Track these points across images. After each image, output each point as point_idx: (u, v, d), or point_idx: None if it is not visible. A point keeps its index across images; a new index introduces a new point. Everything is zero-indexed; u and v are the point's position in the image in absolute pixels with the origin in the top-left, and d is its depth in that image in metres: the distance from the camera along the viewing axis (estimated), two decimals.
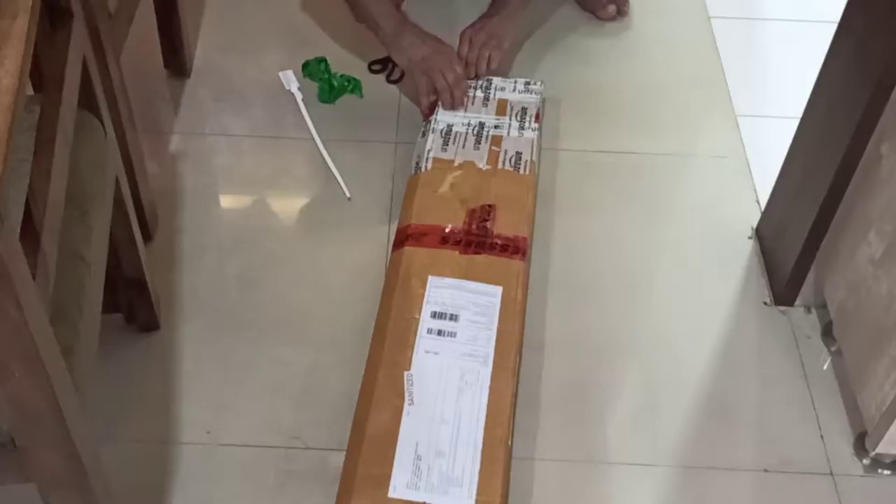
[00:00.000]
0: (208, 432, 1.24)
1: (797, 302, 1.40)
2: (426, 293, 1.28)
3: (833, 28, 1.26)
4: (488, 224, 1.37)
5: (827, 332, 1.36)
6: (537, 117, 1.56)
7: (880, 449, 1.19)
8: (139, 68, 1.64)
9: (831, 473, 1.24)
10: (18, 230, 0.81)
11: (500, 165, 1.47)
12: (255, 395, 1.28)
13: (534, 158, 1.50)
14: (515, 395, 1.22)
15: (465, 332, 1.25)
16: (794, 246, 1.35)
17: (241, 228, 1.50)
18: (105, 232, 1.09)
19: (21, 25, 0.79)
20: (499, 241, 1.36)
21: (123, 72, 1.31)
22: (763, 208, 1.50)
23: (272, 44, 1.77)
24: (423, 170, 1.46)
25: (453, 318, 1.26)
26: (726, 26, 1.85)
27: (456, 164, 1.47)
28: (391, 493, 1.10)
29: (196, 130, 1.64)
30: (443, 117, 1.55)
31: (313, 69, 1.66)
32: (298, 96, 1.66)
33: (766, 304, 1.42)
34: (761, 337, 1.39)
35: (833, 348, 1.35)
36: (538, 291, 1.42)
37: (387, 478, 1.11)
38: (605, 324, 1.39)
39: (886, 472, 1.23)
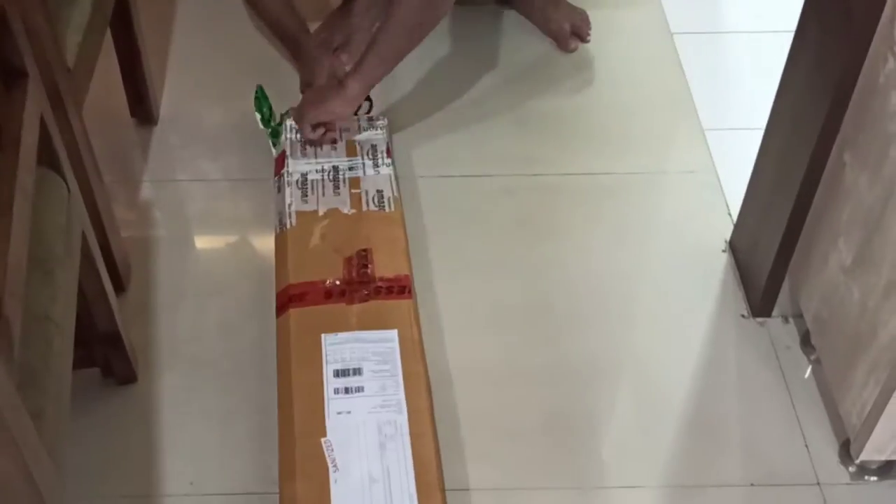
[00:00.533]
0: (191, 483, 1.23)
1: (774, 313, 1.41)
2: (323, 353, 1.27)
3: (791, 38, 1.27)
4: (368, 269, 1.36)
5: (806, 342, 1.37)
6: (388, 152, 1.56)
7: (865, 456, 1.18)
8: (105, 118, 1.65)
9: (818, 483, 1.24)
10: None
11: (364, 207, 1.46)
12: (237, 444, 1.27)
13: (395, 194, 1.49)
14: (436, 435, 1.21)
15: (373, 384, 1.23)
16: (768, 257, 1.35)
17: (218, 275, 1.49)
18: (73, 289, 1.08)
19: None
20: (383, 285, 1.35)
21: (88, 123, 1.31)
22: (735, 221, 1.51)
23: (240, 86, 1.76)
24: (288, 226, 1.44)
25: (357, 371, 1.25)
26: (689, 41, 1.86)
27: (321, 213, 1.45)
28: None
29: (167, 177, 1.63)
30: (294, 167, 1.53)
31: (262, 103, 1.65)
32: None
33: (743, 316, 1.42)
34: (741, 350, 1.39)
35: (813, 357, 1.35)
36: (515, 320, 1.42)
37: None
38: (585, 348, 1.38)
39: (873, 478, 1.23)
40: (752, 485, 1.24)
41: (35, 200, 0.99)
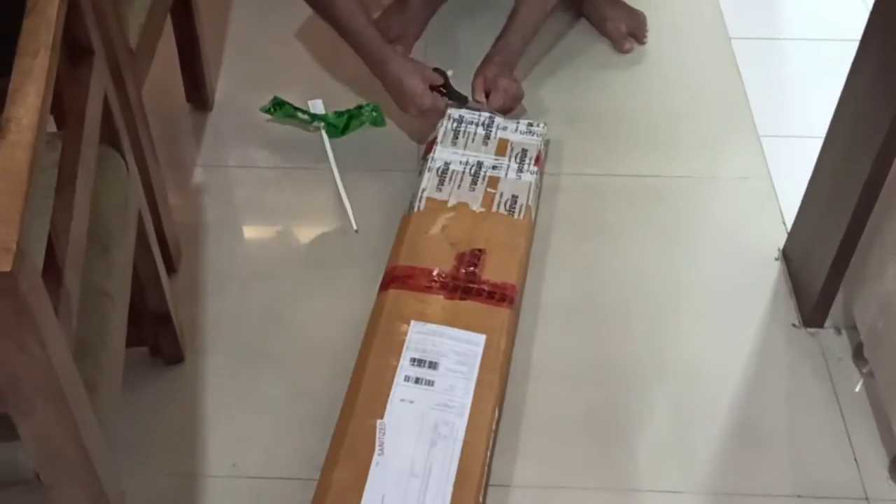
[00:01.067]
0: (234, 465, 1.24)
1: (827, 323, 1.38)
2: (407, 338, 1.26)
3: (854, 46, 1.25)
4: (477, 269, 1.35)
5: (858, 354, 1.34)
6: (538, 160, 1.53)
7: None
8: (161, 102, 1.66)
9: (867, 498, 1.21)
10: (41, 267, 0.81)
11: (494, 208, 1.44)
12: (280, 427, 1.28)
13: (530, 203, 1.46)
14: (491, 449, 1.20)
15: (444, 381, 1.22)
16: (822, 267, 1.33)
17: (264, 261, 1.50)
18: (128, 266, 1.09)
19: (42, 63, 0.80)
20: (486, 288, 1.33)
21: (146, 106, 1.32)
22: (789, 229, 1.49)
23: (294, 76, 1.79)
24: (416, 209, 1.44)
25: (433, 365, 1.24)
26: (747, 47, 1.84)
27: (450, 205, 1.45)
28: None
29: (219, 163, 1.65)
30: (440, 154, 1.53)
31: (278, 112, 1.66)
32: (322, 125, 1.66)
33: (795, 326, 1.40)
34: (791, 360, 1.36)
35: (865, 370, 1.32)
36: (557, 319, 1.41)
37: None
38: (632, 350, 1.37)
39: None
40: (798, 496, 1.22)
41: (95, 177, 1.00)
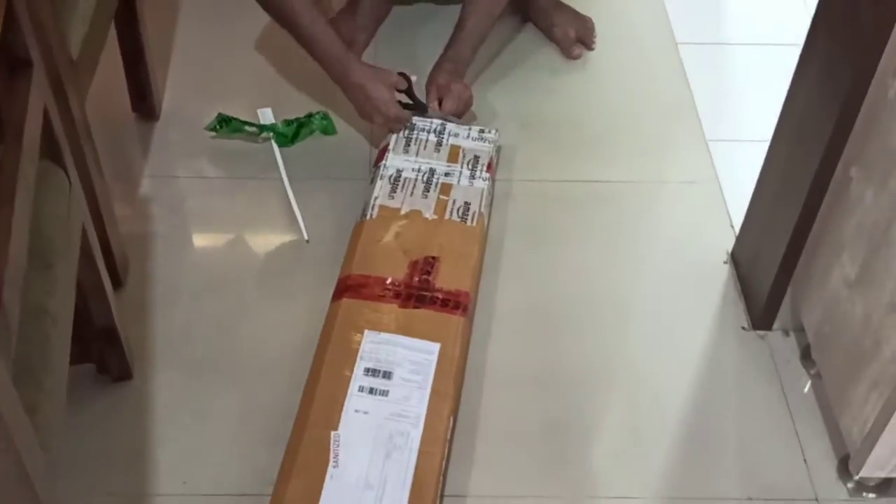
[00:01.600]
0: (185, 482, 1.22)
1: (775, 326, 1.40)
2: (361, 348, 1.25)
3: (798, 50, 1.26)
4: (430, 277, 1.34)
5: (806, 356, 1.36)
6: (489, 167, 1.54)
7: (864, 472, 1.18)
8: (106, 113, 1.64)
9: (816, 499, 1.23)
10: None
11: (447, 216, 1.44)
12: (232, 443, 1.26)
13: (482, 210, 1.47)
14: (446, 459, 1.20)
15: (398, 391, 1.22)
16: (770, 270, 1.35)
17: (214, 273, 1.48)
18: (71, 283, 1.07)
19: None
20: (440, 296, 1.32)
21: (89, 117, 1.30)
22: (737, 233, 1.50)
23: (242, 84, 1.77)
24: (368, 217, 1.44)
25: (387, 375, 1.23)
26: (694, 52, 1.86)
27: (402, 212, 1.44)
28: None
29: (167, 174, 1.62)
30: (393, 162, 1.52)
31: (224, 129, 1.63)
32: (272, 135, 1.65)
33: (744, 328, 1.41)
34: (741, 362, 1.38)
35: (813, 371, 1.34)
36: (510, 326, 1.41)
37: None
38: (585, 356, 1.38)
39: (871, 495, 1.23)
40: (749, 499, 1.23)
41: (36, 192, 0.98)
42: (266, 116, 1.68)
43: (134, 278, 1.44)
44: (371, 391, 1.22)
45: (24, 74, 0.99)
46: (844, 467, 1.24)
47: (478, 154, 1.55)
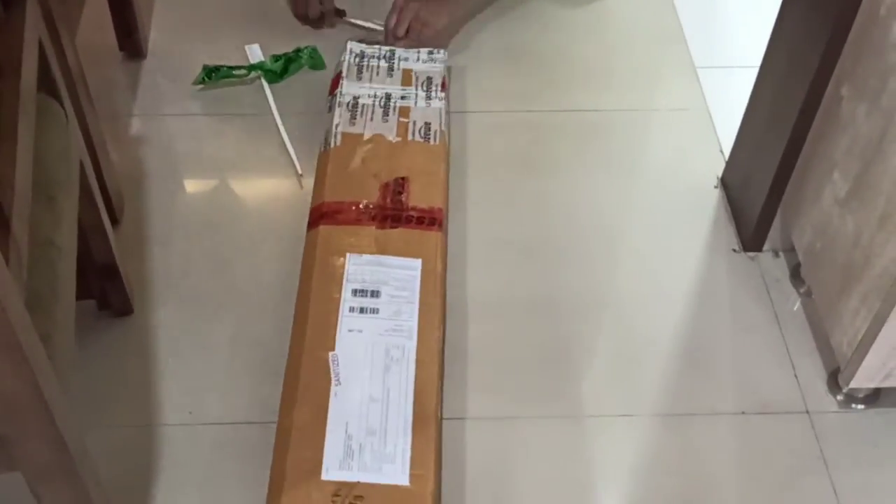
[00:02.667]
0: (191, 412, 1.24)
1: (765, 247, 1.43)
2: (345, 271, 1.27)
3: None
4: (403, 197, 1.36)
5: (795, 275, 1.39)
6: (443, 86, 1.56)
7: (853, 384, 1.21)
8: (93, 52, 1.61)
9: (807, 411, 1.27)
10: None
11: (410, 137, 1.46)
12: (235, 374, 1.28)
13: (443, 128, 1.49)
14: (442, 366, 1.23)
15: (388, 308, 1.24)
16: (760, 192, 1.37)
17: (208, 209, 1.48)
18: (74, 217, 1.07)
19: None
20: (414, 214, 1.35)
21: (79, 55, 1.29)
22: (727, 158, 1.52)
23: (230, 20, 1.75)
24: (332, 145, 1.44)
25: (375, 294, 1.25)
26: None
27: (366, 137, 1.45)
28: (324, 476, 1.09)
29: (156, 112, 1.62)
30: (348, 89, 1.53)
31: (212, 79, 1.62)
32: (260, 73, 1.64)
33: (735, 251, 1.44)
34: (732, 284, 1.41)
35: (802, 290, 1.37)
36: (507, 253, 1.42)
37: (318, 461, 1.10)
38: (576, 282, 1.40)
39: (860, 406, 1.26)
40: (742, 413, 1.26)
41: (36, 127, 0.98)
42: (254, 53, 1.67)
43: (129, 216, 1.45)
44: (362, 310, 1.24)
45: (19, 7, 0.98)
46: (834, 381, 1.27)
47: (430, 75, 1.57)
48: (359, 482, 1.09)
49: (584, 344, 1.33)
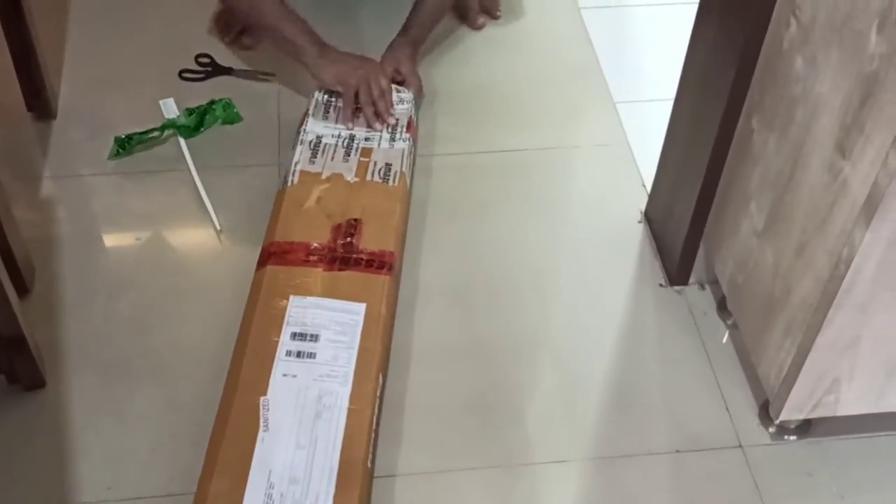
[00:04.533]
0: (109, 488, 1.19)
1: (691, 280, 1.42)
2: (287, 313, 1.25)
3: (696, 8, 1.28)
4: (353, 239, 1.34)
5: (722, 307, 1.39)
6: (409, 127, 1.54)
7: (784, 416, 1.21)
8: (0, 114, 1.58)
9: (740, 446, 1.26)
10: None
11: (368, 177, 1.44)
12: (153, 443, 1.23)
13: (404, 170, 1.47)
14: (377, 415, 1.20)
15: (326, 353, 1.22)
16: (682, 225, 1.37)
17: (126, 270, 1.44)
18: None
19: None
20: (364, 257, 1.33)
21: None
22: (649, 192, 1.52)
23: (142, 75, 1.72)
24: (290, 183, 1.42)
25: (313, 338, 1.23)
26: (596, 15, 1.87)
27: (324, 176, 1.43)
28: None
29: (69, 173, 1.57)
30: (312, 127, 1.52)
31: (126, 150, 1.57)
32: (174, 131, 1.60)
33: (661, 285, 1.43)
34: (660, 318, 1.40)
35: (729, 322, 1.37)
36: (433, 301, 1.40)
37: None
38: (509, 324, 1.38)
39: (792, 437, 1.26)
40: (677, 451, 1.25)
41: None
42: (169, 107, 1.63)
43: (42, 283, 1.40)
44: (299, 355, 1.22)
45: None
46: (765, 413, 1.26)
47: (397, 116, 1.55)
48: None
49: (517, 389, 1.31)
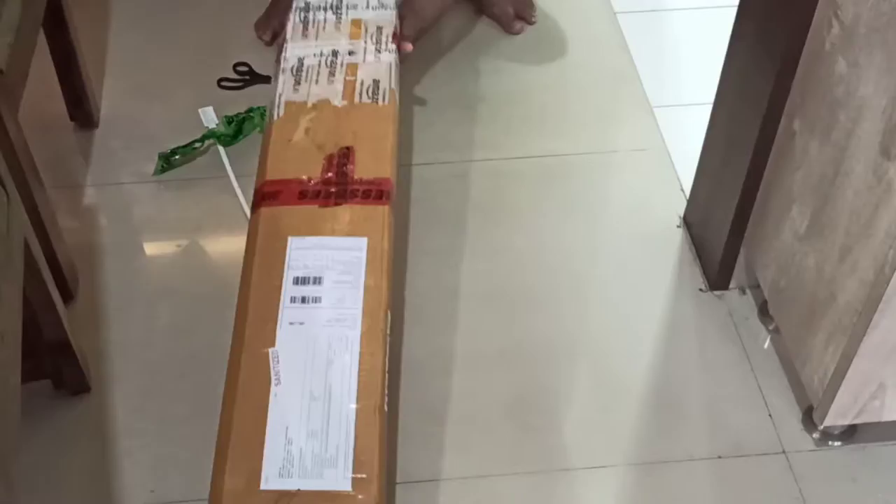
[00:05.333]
0: (152, 491, 1.20)
1: (731, 285, 1.41)
2: (286, 257, 1.19)
3: (734, 11, 1.27)
4: (348, 169, 1.27)
5: (763, 312, 1.37)
6: (394, 36, 1.47)
7: (828, 421, 1.19)
8: (43, 123, 1.60)
9: (783, 451, 1.24)
10: None
11: (356, 99, 1.36)
12: (197, 447, 1.24)
13: (393, 86, 1.38)
14: (387, 355, 1.15)
15: (331, 295, 1.16)
16: (722, 230, 1.36)
17: (167, 276, 1.46)
18: (17, 298, 1.04)
19: None
20: (360, 188, 1.26)
21: (25, 129, 1.27)
22: (688, 196, 1.51)
23: (182, 84, 1.73)
24: (275, 118, 1.35)
25: (317, 281, 1.17)
26: (632, 20, 1.86)
27: (309, 104, 1.35)
28: (263, 486, 1.03)
29: (111, 181, 1.59)
30: (293, 51, 1.43)
31: (172, 165, 1.59)
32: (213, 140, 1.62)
33: (701, 290, 1.42)
34: (700, 323, 1.39)
35: (771, 327, 1.36)
36: (472, 305, 1.40)
37: (257, 471, 1.04)
38: (544, 330, 1.38)
39: (837, 443, 1.24)
40: (719, 457, 1.24)
41: None
42: (208, 115, 1.65)
43: (85, 289, 1.42)
44: (303, 300, 1.17)
45: None
46: (809, 418, 1.25)
47: (380, 24, 1.48)
48: (299, 490, 1.03)
49: (556, 394, 1.31)
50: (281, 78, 1.41)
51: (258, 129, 1.63)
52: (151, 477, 1.21)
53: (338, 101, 1.37)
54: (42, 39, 1.48)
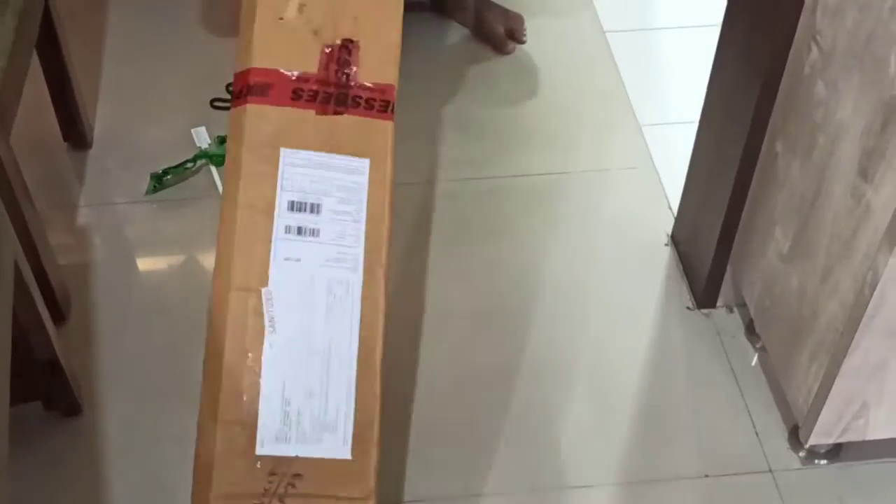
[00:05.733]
0: None
1: (718, 303, 1.42)
2: (279, 173, 1.02)
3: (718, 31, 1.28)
4: (350, 70, 1.07)
5: (750, 330, 1.38)
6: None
7: (814, 440, 1.20)
8: (37, 144, 1.62)
9: (770, 470, 1.25)
10: None
11: None
12: (190, 468, 1.24)
13: None
14: (388, 301, 1.04)
15: (330, 229, 1.01)
16: (709, 248, 1.37)
17: (161, 295, 1.47)
18: (6, 320, 1.05)
19: None
20: (363, 95, 1.06)
21: (19, 149, 1.28)
22: (676, 214, 1.52)
23: (175, 104, 1.75)
24: None
25: (315, 209, 1.02)
26: (621, 39, 1.88)
27: None
28: (259, 450, 0.94)
29: (104, 201, 1.61)
30: None
31: (163, 185, 1.59)
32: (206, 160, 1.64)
33: (688, 308, 1.43)
34: (688, 341, 1.40)
35: (758, 345, 1.37)
36: (463, 324, 1.41)
37: (252, 435, 0.94)
38: (532, 349, 1.39)
39: (823, 462, 1.25)
40: (706, 476, 1.25)
41: None
42: (200, 135, 1.67)
43: (78, 309, 1.43)
44: (300, 231, 1.02)
45: None
46: (795, 437, 1.26)
47: None
48: (297, 457, 0.95)
49: (545, 413, 1.32)
50: None
51: None
52: (144, 498, 1.22)
53: None
54: (35, 61, 1.49)
